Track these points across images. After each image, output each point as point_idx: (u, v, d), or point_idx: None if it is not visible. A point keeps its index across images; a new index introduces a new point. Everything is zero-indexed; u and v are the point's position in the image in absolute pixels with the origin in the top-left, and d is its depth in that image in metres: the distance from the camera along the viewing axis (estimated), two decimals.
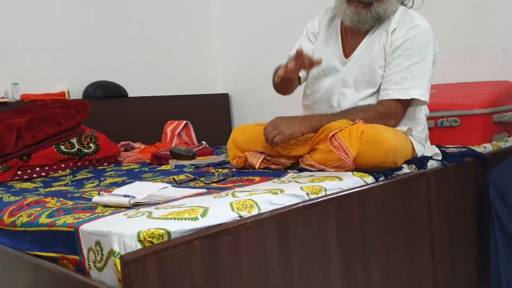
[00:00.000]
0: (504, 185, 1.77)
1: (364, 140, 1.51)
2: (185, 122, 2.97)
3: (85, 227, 1.07)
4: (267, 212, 1.17)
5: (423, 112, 1.82)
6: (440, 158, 1.78)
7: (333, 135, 1.53)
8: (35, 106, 2.51)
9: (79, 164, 2.46)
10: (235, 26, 3.67)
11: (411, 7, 1.85)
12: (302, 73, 1.89)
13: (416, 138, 1.74)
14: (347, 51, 1.83)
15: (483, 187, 1.86)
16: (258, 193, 1.25)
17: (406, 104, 1.71)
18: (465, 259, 1.87)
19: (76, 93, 3.04)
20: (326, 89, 1.83)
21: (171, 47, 3.54)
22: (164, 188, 1.34)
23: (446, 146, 2.09)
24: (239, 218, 1.11)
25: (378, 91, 1.75)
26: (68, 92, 2.97)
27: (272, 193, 1.26)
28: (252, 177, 1.61)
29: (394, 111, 1.68)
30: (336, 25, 1.87)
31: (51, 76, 2.97)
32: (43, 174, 2.32)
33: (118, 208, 1.23)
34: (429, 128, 2.13)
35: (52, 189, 1.90)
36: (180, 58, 3.58)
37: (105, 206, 1.27)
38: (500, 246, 1.79)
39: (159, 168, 2.18)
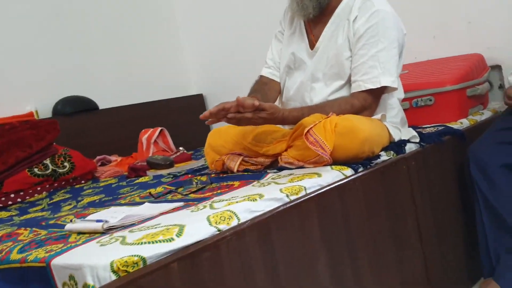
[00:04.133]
0: (484, 159, 1.77)
1: (339, 133, 1.48)
2: (160, 129, 2.92)
3: (57, 261, 1.02)
4: (247, 221, 1.14)
5: (395, 97, 1.80)
6: (417, 140, 1.77)
7: (308, 131, 1.50)
8: (2, 131, 2.43)
9: (56, 185, 2.40)
10: (202, 24, 3.61)
11: None
12: (273, 73, 1.89)
13: (391, 123, 1.73)
14: (313, 42, 1.80)
15: (463, 163, 1.85)
16: (237, 201, 1.22)
17: (379, 93, 1.69)
18: (453, 239, 1.86)
19: (46, 112, 2.97)
20: (298, 86, 1.81)
21: (138, 53, 3.47)
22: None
23: (423, 126, 2.08)
24: (217, 232, 1.07)
25: (347, 83, 1.72)
26: (37, 111, 2.90)
27: (251, 200, 1.22)
28: (231, 182, 1.57)
29: (369, 103, 1.67)
30: (299, 19, 1.84)
31: (18, 97, 2.89)
32: (19, 200, 2.25)
33: (92, 234, 1.18)
34: (405, 109, 2.13)
35: (28, 216, 1.84)
36: (149, 63, 3.51)
37: (79, 233, 1.23)
38: (486, 221, 1.79)
39: (137, 181, 2.13)
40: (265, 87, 1.88)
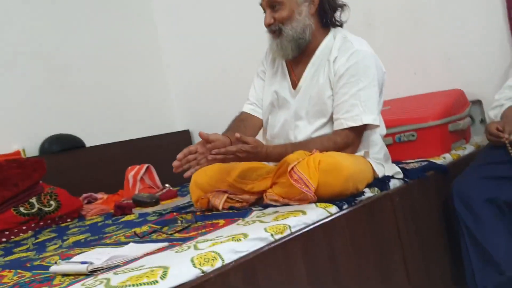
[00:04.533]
0: (468, 194, 1.79)
1: (322, 170, 1.50)
2: (146, 165, 2.92)
3: None
4: (231, 262, 1.14)
5: (377, 133, 1.83)
6: (401, 176, 1.79)
7: (292, 169, 1.52)
8: None
9: (41, 223, 2.37)
10: (186, 60, 3.64)
11: (341, 26, 1.84)
12: (254, 109, 1.92)
13: (374, 159, 1.75)
14: (295, 82, 1.83)
15: (447, 197, 1.87)
16: (221, 242, 1.22)
17: (360, 130, 1.72)
18: (440, 273, 1.87)
19: (32, 150, 2.96)
20: (282, 124, 1.84)
21: (124, 90, 3.49)
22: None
23: (407, 161, 2.11)
24: (202, 274, 1.07)
25: (330, 120, 1.76)
26: (24, 150, 2.89)
27: (236, 240, 1.23)
28: (216, 221, 1.58)
29: (351, 140, 1.70)
30: (280, 60, 1.88)
31: (4, 136, 2.88)
32: (4, 239, 2.23)
33: (77, 276, 1.17)
34: (388, 145, 2.16)
35: (13, 256, 1.82)
36: (135, 100, 3.53)
37: (64, 275, 1.22)
38: (473, 255, 1.79)
39: (123, 219, 2.13)
40: (241, 124, 1.89)
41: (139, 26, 3.68)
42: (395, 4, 2.62)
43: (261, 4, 1.80)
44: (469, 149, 2.30)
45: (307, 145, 1.66)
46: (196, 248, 1.21)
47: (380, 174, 1.74)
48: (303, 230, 1.34)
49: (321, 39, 1.79)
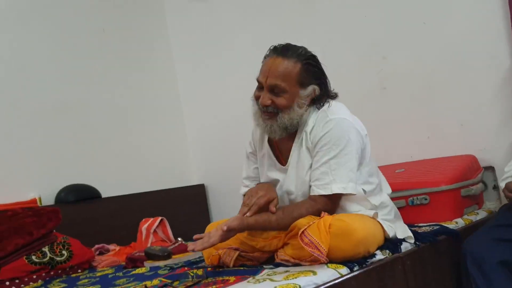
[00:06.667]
0: (481, 255, 1.78)
1: (333, 234, 1.51)
2: (160, 218, 2.95)
3: None
4: None
5: (384, 194, 1.84)
6: (412, 241, 1.79)
7: (302, 232, 1.53)
8: (4, 218, 2.45)
9: (52, 273, 2.38)
10: (205, 115, 3.71)
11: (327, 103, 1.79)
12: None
13: (385, 220, 1.75)
14: (282, 159, 1.83)
15: (459, 258, 1.85)
16: None
17: (335, 198, 1.69)
18: None
19: (49, 199, 3.00)
20: (279, 199, 1.79)
21: (142, 143, 3.56)
22: None
23: (419, 224, 2.11)
24: None
25: None
26: (40, 198, 2.94)
27: None
28: (227, 277, 1.58)
29: (329, 207, 1.68)
30: (266, 137, 1.87)
31: (22, 184, 2.94)
32: None
33: None
34: (401, 208, 2.17)
35: None
36: (152, 153, 3.59)
37: None
38: None
39: (134, 272, 2.13)
40: None
41: (161, 81, 3.79)
42: (409, 69, 2.69)
43: (258, 80, 1.75)
44: (481, 214, 2.29)
45: (291, 214, 1.66)
46: None
47: (390, 234, 1.74)
48: None
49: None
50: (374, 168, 1.83)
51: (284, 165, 1.81)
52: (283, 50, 1.73)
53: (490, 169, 2.48)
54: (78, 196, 3.02)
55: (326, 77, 1.80)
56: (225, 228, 1.60)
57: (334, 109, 1.74)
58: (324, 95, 1.77)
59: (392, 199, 2.20)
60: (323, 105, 1.77)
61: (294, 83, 1.71)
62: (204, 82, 3.68)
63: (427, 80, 2.64)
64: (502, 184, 1.91)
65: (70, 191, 3.03)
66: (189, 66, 3.77)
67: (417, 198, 2.21)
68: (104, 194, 3.18)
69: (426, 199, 2.19)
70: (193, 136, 3.82)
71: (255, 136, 1.95)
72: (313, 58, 1.76)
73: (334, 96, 1.81)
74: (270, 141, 1.87)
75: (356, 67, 2.87)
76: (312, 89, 1.73)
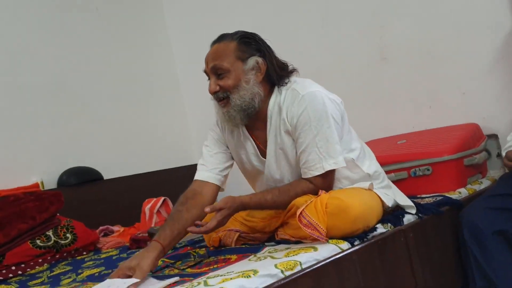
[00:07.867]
0: (477, 225, 1.77)
1: (330, 213, 1.49)
2: (163, 198, 2.94)
3: None
4: None
5: (373, 161, 1.82)
6: (414, 211, 1.77)
7: (300, 213, 1.51)
8: (6, 203, 2.45)
9: (57, 256, 2.39)
10: (205, 93, 3.68)
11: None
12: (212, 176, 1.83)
13: (380, 189, 1.73)
14: (261, 147, 1.78)
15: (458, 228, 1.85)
16: (231, 278, 1.22)
17: (326, 175, 1.65)
18: None
19: (51, 182, 3.01)
20: (267, 185, 1.78)
21: (141, 123, 3.55)
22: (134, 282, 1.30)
23: (422, 196, 2.09)
24: None
25: None
26: (42, 182, 2.94)
27: (245, 276, 1.23)
28: (229, 256, 1.59)
29: (320, 186, 1.65)
30: (241, 127, 1.79)
31: (23, 169, 2.94)
32: (19, 272, 2.25)
33: None
34: (403, 179, 2.17)
35: None
36: (153, 133, 3.59)
37: None
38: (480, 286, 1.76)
39: None
40: (183, 208, 1.69)
41: (158, 60, 3.77)
42: (409, 38, 2.64)
43: (205, 71, 1.74)
44: (485, 183, 2.26)
45: (288, 193, 1.64)
46: (206, 284, 1.22)
47: (390, 203, 1.72)
48: (314, 267, 1.33)
49: (269, 100, 1.72)
50: (353, 133, 1.80)
51: (264, 157, 1.76)
52: (218, 38, 1.74)
53: (494, 137, 2.44)
54: (80, 179, 3.02)
55: (271, 50, 1.74)
56: (207, 210, 1.55)
57: (304, 84, 1.69)
58: (275, 68, 1.71)
59: (394, 170, 2.21)
60: (286, 83, 1.72)
61: (233, 59, 1.67)
62: (203, 61, 3.63)
63: (427, 48, 2.59)
64: (504, 153, 1.89)
65: (72, 174, 3.03)
66: (188, 44, 3.71)
67: (419, 169, 2.18)
68: (106, 176, 3.18)
69: (428, 169, 2.17)
70: (194, 115, 3.80)
71: (223, 128, 1.86)
72: (250, 34, 1.73)
73: (292, 71, 1.75)
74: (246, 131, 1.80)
75: (355, 37, 2.82)
76: (254, 61, 1.67)
